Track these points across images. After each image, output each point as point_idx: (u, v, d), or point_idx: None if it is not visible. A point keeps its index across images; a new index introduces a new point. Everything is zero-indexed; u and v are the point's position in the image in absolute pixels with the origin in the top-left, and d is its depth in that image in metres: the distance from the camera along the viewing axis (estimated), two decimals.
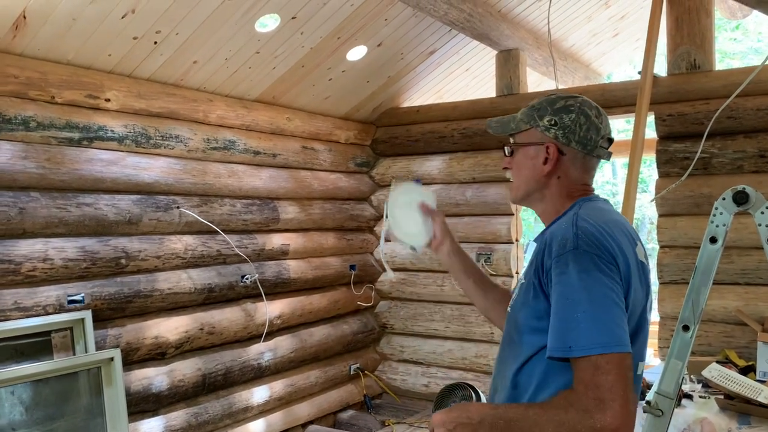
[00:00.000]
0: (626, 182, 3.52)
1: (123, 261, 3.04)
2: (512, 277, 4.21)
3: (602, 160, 1.44)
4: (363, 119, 4.63)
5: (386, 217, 1.87)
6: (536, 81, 5.06)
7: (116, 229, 3.03)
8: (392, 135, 4.63)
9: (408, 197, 1.85)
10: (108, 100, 2.99)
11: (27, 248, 2.68)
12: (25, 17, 2.55)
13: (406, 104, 4.70)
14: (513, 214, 4.20)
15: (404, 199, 1.84)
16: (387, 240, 1.89)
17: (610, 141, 1.43)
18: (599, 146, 1.40)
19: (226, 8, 2.97)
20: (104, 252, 2.96)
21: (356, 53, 3.83)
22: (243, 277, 3.63)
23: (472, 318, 4.33)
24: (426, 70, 4.38)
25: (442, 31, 3.97)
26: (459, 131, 4.33)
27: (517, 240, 4.24)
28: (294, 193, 4.08)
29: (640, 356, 1.33)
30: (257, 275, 3.71)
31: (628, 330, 1.19)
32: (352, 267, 4.46)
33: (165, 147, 3.25)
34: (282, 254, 3.97)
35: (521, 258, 4.26)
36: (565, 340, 1.18)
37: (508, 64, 4.23)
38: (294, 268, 4.03)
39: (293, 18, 3.26)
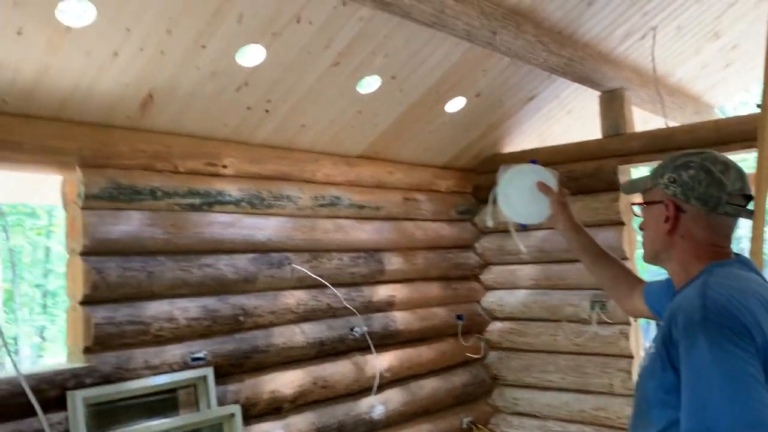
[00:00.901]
0: (753, 219, 3.28)
1: (241, 318, 3.17)
2: (630, 324, 4.00)
3: (740, 218, 1.36)
4: (463, 167, 4.64)
5: (494, 197, 1.95)
6: (644, 118, 4.88)
7: (235, 287, 3.18)
8: (494, 181, 4.58)
9: (524, 177, 1.91)
10: (225, 166, 3.18)
11: (155, 309, 2.86)
12: (151, 96, 2.79)
13: (507, 150, 4.67)
14: (628, 259, 4.01)
15: (519, 179, 1.91)
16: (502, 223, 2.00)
17: (747, 198, 1.34)
18: (725, 203, 1.31)
19: (330, 74, 3.11)
20: (224, 310, 3.10)
21: (455, 105, 3.88)
22: (352, 329, 3.68)
23: (589, 369, 4.14)
24: (526, 115, 4.35)
25: (542, 76, 3.94)
26: (566, 174, 4.21)
27: None
28: (398, 244, 4.12)
29: None
30: (366, 328, 3.75)
31: None
32: (459, 317, 4.41)
33: (277, 207, 3.40)
34: (388, 306, 4.00)
35: None
36: (703, 421, 1.09)
37: (613, 104, 4.12)
38: (401, 319, 4.04)
39: (393, 78, 3.36)
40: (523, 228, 1.92)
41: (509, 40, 3.16)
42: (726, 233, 1.36)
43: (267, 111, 3.15)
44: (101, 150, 2.76)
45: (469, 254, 4.65)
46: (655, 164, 4.16)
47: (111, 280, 2.72)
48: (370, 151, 3.93)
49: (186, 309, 2.97)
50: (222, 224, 3.15)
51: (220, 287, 3.12)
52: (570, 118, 4.70)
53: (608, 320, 4.03)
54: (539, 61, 3.43)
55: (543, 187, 1.88)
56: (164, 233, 2.93)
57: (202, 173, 3.11)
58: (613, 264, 1.85)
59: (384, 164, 4.06)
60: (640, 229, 1.48)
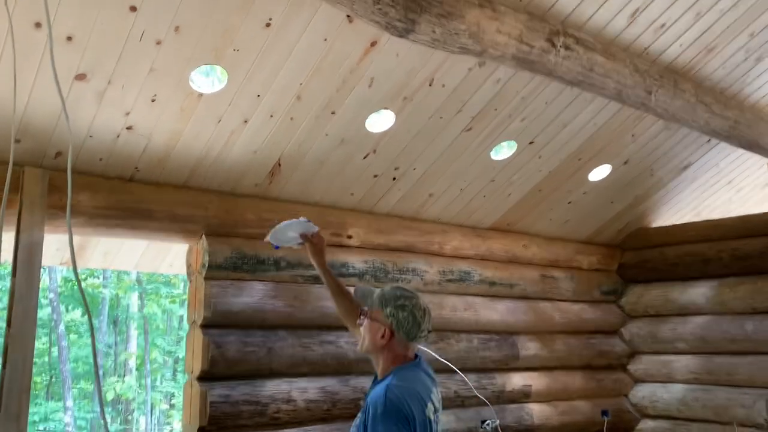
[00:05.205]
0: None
1: (362, 403, 2.91)
2: None
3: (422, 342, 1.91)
4: (607, 242, 4.23)
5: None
6: None
7: (355, 367, 2.95)
8: (643, 259, 4.14)
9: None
10: (350, 236, 3.03)
11: (273, 389, 2.68)
12: (280, 164, 2.72)
13: (656, 224, 4.21)
14: None
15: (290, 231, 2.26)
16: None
17: (430, 332, 1.90)
18: (419, 337, 1.85)
19: (462, 140, 2.92)
20: (344, 393, 2.88)
21: (599, 173, 3.55)
22: (483, 422, 3.31)
23: None
24: (680, 185, 3.92)
25: (698, 142, 3.54)
26: (728, 252, 3.72)
27: None
28: (534, 327, 3.75)
29: None
30: (498, 421, 3.35)
31: None
32: (605, 413, 3.87)
33: (402, 281, 3.19)
34: (524, 396, 3.60)
35: None
36: None
37: None
38: (538, 413, 3.61)
39: (531, 143, 3.11)
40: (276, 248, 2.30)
41: (666, 101, 2.81)
42: (414, 349, 1.88)
43: (394, 179, 2.99)
44: (227, 218, 2.71)
45: (615, 341, 4.16)
46: None
47: (230, 356, 2.59)
48: (503, 223, 3.66)
49: (305, 390, 2.77)
50: None
51: (341, 367, 2.91)
52: (731, 189, 4.19)
53: None
54: (700, 123, 3.04)
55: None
56: (286, 306, 2.79)
57: (327, 244, 2.97)
58: (347, 298, 2.27)
59: (518, 237, 3.77)
60: (359, 326, 1.94)
